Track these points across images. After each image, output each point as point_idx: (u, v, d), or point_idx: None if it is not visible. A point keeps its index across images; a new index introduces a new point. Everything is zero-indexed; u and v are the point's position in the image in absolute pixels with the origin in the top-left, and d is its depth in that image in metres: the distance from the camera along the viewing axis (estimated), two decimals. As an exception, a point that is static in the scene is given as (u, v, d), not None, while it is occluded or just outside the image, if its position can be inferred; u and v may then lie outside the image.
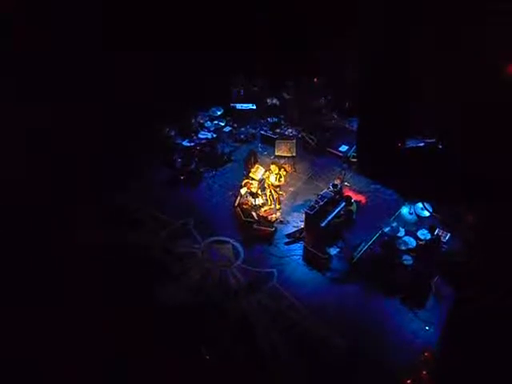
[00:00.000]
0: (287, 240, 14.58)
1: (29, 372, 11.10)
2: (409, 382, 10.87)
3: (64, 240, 13.97)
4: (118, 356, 11.43)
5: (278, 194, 15.64)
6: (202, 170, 16.97)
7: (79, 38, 16.09)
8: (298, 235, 14.51)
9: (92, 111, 16.46)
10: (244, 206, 15.06)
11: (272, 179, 15.76)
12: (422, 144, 14.99)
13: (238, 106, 18.74)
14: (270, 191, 15.59)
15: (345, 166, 16.47)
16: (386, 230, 13.67)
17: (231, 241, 14.52)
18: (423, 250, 13.16)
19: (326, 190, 14.28)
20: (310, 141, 17.68)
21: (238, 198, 15.34)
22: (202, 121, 18.32)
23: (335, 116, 18.62)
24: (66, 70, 16.14)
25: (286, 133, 18.11)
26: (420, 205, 14.37)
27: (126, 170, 16.65)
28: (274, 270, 13.63)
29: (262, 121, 18.80)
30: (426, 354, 11.27)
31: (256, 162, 16.49)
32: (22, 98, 15.47)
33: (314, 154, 17.55)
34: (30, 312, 12.12)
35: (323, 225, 13.50)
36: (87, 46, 16.31)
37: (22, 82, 15.53)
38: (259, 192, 15.46)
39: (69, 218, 14.60)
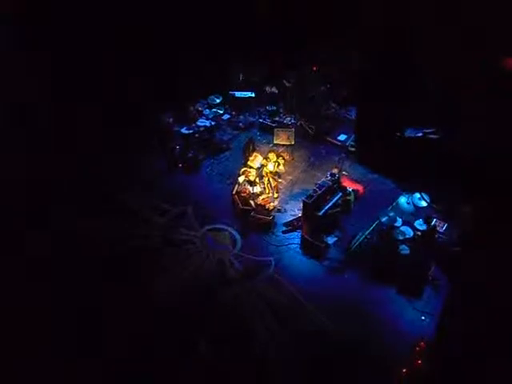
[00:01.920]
0: (285, 228, 14.59)
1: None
2: (404, 371, 10.93)
3: (64, 229, 13.97)
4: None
5: (276, 183, 15.65)
6: (200, 157, 16.94)
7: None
8: (295, 224, 14.53)
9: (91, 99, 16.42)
10: (242, 194, 15.05)
11: (270, 167, 15.78)
12: (420, 134, 15.01)
13: (237, 93, 18.71)
14: (268, 179, 15.60)
15: (343, 155, 16.44)
16: (384, 219, 13.67)
17: (229, 229, 14.54)
18: (420, 240, 13.22)
19: (323, 178, 14.30)
20: (309, 129, 17.68)
21: (236, 186, 15.35)
22: (200, 108, 18.32)
23: (334, 105, 18.54)
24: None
25: (285, 121, 18.09)
26: (417, 195, 14.37)
27: (124, 157, 16.64)
28: (272, 259, 13.66)
29: (261, 109, 18.74)
30: (421, 344, 11.31)
31: (254, 150, 16.51)
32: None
33: (312, 143, 17.53)
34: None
35: (321, 214, 13.53)
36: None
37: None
38: (257, 180, 15.47)
39: (69, 207, 14.60)
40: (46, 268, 12.98)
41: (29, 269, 12.86)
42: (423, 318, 12.14)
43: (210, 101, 18.71)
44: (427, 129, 14.76)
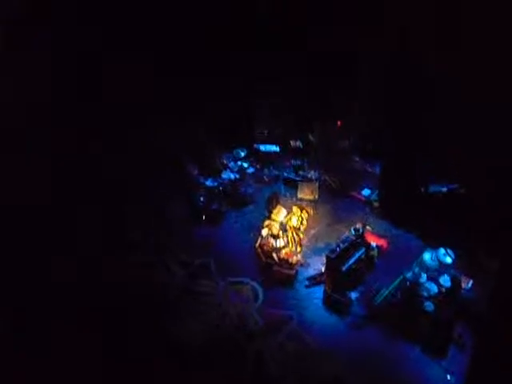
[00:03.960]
0: (307, 283, 14.48)
1: None
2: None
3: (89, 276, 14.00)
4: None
5: (300, 237, 15.63)
6: (224, 209, 17.05)
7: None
8: (318, 278, 14.42)
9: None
10: (265, 248, 15.06)
11: (294, 221, 15.80)
12: (444, 189, 14.98)
13: (262, 147, 18.95)
14: (292, 233, 15.58)
15: (367, 209, 16.43)
16: (408, 275, 13.53)
17: (251, 282, 14.47)
18: (445, 297, 13.00)
19: (347, 233, 14.25)
20: (333, 184, 17.73)
21: (259, 238, 15.36)
22: (225, 161, 18.54)
23: (358, 159, 18.62)
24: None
25: (309, 175, 18.18)
26: (442, 250, 14.20)
27: (148, 206, 16.76)
28: (293, 313, 13.50)
29: (286, 163, 18.89)
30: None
31: (278, 203, 16.55)
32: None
33: (336, 197, 17.54)
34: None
35: (344, 269, 13.44)
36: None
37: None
38: (280, 234, 15.46)
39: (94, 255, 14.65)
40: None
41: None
42: (448, 377, 11.82)
43: (235, 154, 18.95)
44: (451, 184, 14.77)
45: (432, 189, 14.92)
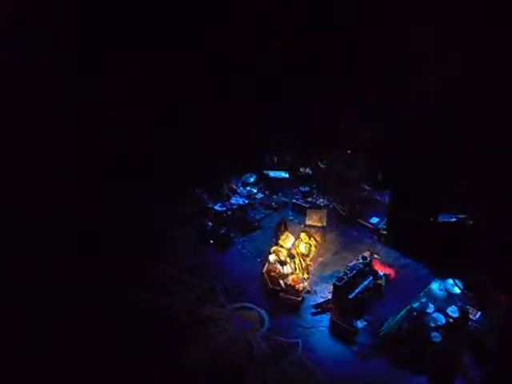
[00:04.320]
0: (314, 310, 14.40)
1: None
2: None
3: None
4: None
5: (307, 264, 15.58)
6: (232, 235, 17.05)
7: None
8: (325, 306, 14.34)
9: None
10: (272, 274, 15.02)
11: (301, 248, 15.78)
12: (453, 219, 14.96)
13: (271, 173, 19.02)
14: (299, 260, 15.55)
15: (375, 238, 16.40)
16: (415, 305, 13.45)
17: (257, 308, 14.40)
18: (452, 328, 12.89)
19: (355, 261, 14.23)
20: (341, 211, 17.73)
21: (266, 264, 15.33)
22: (234, 187, 18.59)
23: (367, 188, 18.62)
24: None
25: (318, 202, 18.20)
26: (450, 281, 14.14)
27: (156, 231, 16.84)
28: (299, 340, 13.42)
29: (295, 189, 18.93)
30: None
31: (286, 229, 16.53)
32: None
33: (344, 225, 17.53)
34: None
35: (351, 297, 13.39)
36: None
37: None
38: (288, 260, 15.43)
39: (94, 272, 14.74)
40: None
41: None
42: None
43: (244, 179, 19.00)
44: (460, 215, 14.76)
45: (441, 219, 14.93)
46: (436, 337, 12.67)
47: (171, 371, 12.36)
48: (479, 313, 13.42)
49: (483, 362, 12.37)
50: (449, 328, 12.91)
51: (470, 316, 13.20)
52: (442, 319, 13.08)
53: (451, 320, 13.05)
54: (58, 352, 12.53)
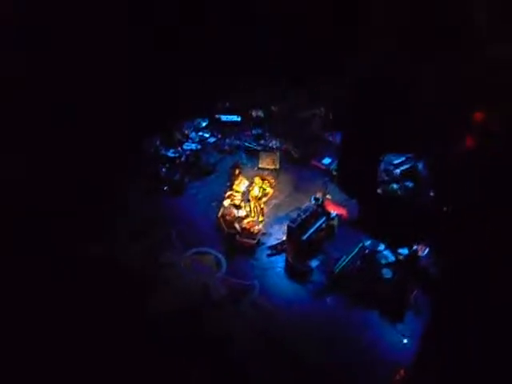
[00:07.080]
0: (269, 252, 14.70)
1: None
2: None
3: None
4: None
5: (261, 207, 15.79)
6: (186, 180, 17.06)
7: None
8: (279, 247, 14.65)
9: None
10: (227, 218, 15.19)
11: (256, 191, 15.94)
12: (403, 159, 15.28)
13: (223, 117, 18.94)
14: (254, 203, 15.74)
15: (327, 179, 16.63)
16: (367, 243, 13.86)
17: (213, 252, 14.62)
18: (402, 264, 13.38)
19: (308, 203, 14.46)
20: (294, 153, 17.84)
21: (222, 209, 15.48)
22: (186, 132, 18.48)
23: (319, 129, 18.72)
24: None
25: (270, 145, 18.28)
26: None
27: (109, 179, 16.59)
28: (256, 282, 13.76)
29: (247, 132, 18.95)
30: (401, 372, 11.39)
31: (240, 173, 16.64)
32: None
33: (297, 167, 17.70)
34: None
35: (305, 238, 13.69)
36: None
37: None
38: (242, 204, 15.61)
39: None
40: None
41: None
42: (405, 341, 12.24)
43: (196, 124, 18.88)
44: (407, 154, 15.12)
45: (390, 159, 15.24)
46: (387, 273, 13.15)
47: (133, 320, 12.49)
48: (427, 249, 13.93)
49: (431, 293, 12.94)
50: (399, 264, 13.41)
51: (419, 252, 13.70)
52: (391, 256, 13.56)
53: (401, 257, 13.52)
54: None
